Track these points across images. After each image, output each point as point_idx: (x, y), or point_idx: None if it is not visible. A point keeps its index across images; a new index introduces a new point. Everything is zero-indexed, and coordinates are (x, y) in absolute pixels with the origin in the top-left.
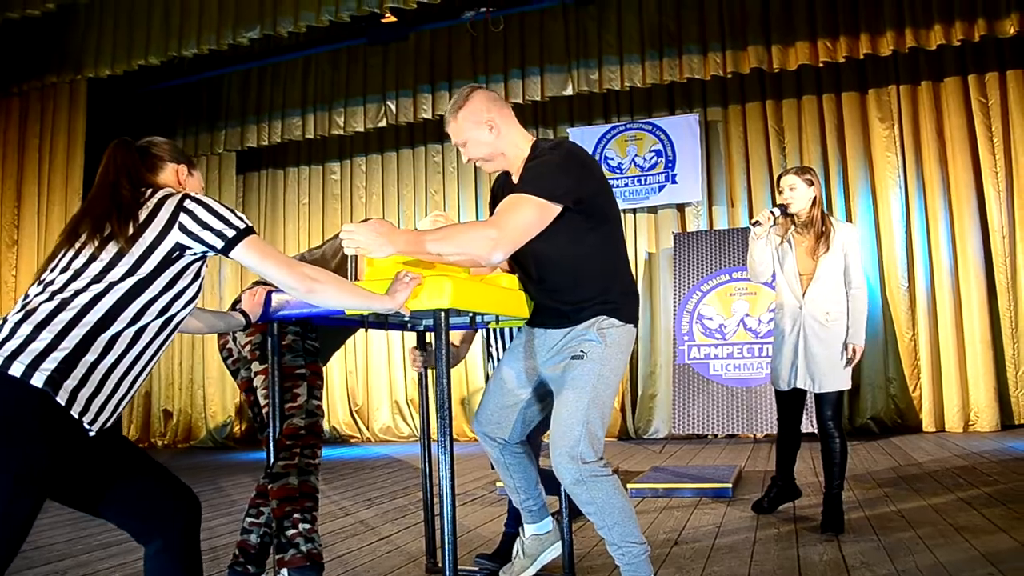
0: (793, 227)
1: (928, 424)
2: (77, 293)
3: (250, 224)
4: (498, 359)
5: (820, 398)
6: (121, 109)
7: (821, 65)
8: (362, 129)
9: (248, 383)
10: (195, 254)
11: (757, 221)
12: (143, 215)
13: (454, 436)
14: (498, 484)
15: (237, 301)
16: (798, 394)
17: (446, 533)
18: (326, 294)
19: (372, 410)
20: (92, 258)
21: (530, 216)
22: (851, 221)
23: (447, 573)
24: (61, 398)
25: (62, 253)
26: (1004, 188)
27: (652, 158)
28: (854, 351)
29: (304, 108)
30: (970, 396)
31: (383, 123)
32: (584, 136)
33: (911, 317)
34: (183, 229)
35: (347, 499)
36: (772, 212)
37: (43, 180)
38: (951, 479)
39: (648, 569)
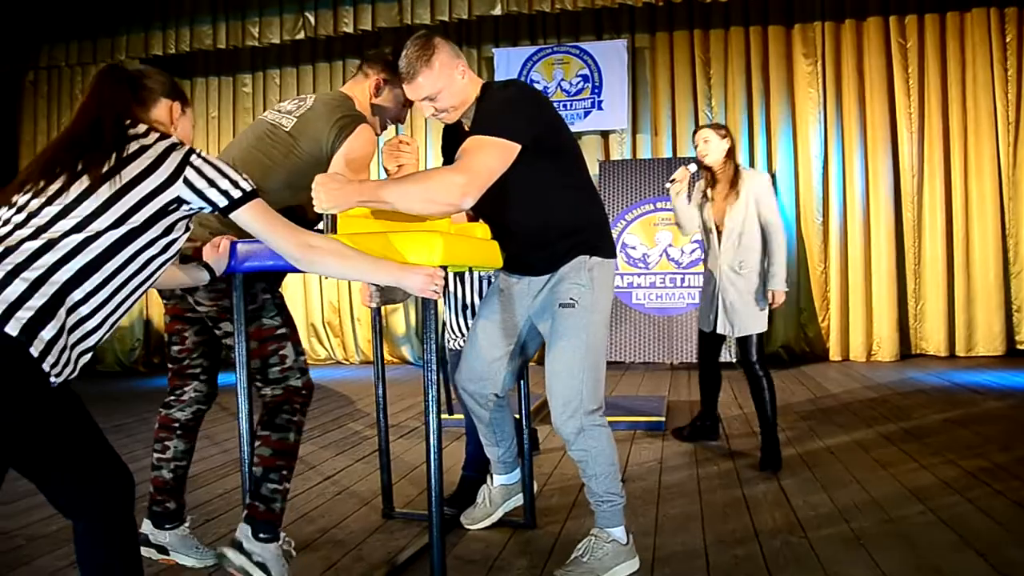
0: (712, 180)
1: (834, 353)
2: (66, 233)
3: (255, 187)
4: (462, 302)
5: (741, 342)
6: (9, 7)
7: None
8: (278, 41)
9: (179, 312)
10: (191, 209)
11: (673, 179)
12: (132, 149)
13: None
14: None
15: (189, 256)
16: (717, 337)
17: (433, 498)
18: (329, 265)
19: None
20: (83, 197)
21: (493, 157)
22: (772, 155)
23: (434, 550)
24: (35, 348)
25: (40, 183)
26: (916, 129)
27: (578, 83)
28: (774, 296)
29: (215, 16)
30: (874, 327)
31: (300, 35)
32: (510, 58)
33: (824, 250)
34: (188, 183)
35: None
36: (687, 168)
37: None
38: (867, 412)
39: (621, 519)
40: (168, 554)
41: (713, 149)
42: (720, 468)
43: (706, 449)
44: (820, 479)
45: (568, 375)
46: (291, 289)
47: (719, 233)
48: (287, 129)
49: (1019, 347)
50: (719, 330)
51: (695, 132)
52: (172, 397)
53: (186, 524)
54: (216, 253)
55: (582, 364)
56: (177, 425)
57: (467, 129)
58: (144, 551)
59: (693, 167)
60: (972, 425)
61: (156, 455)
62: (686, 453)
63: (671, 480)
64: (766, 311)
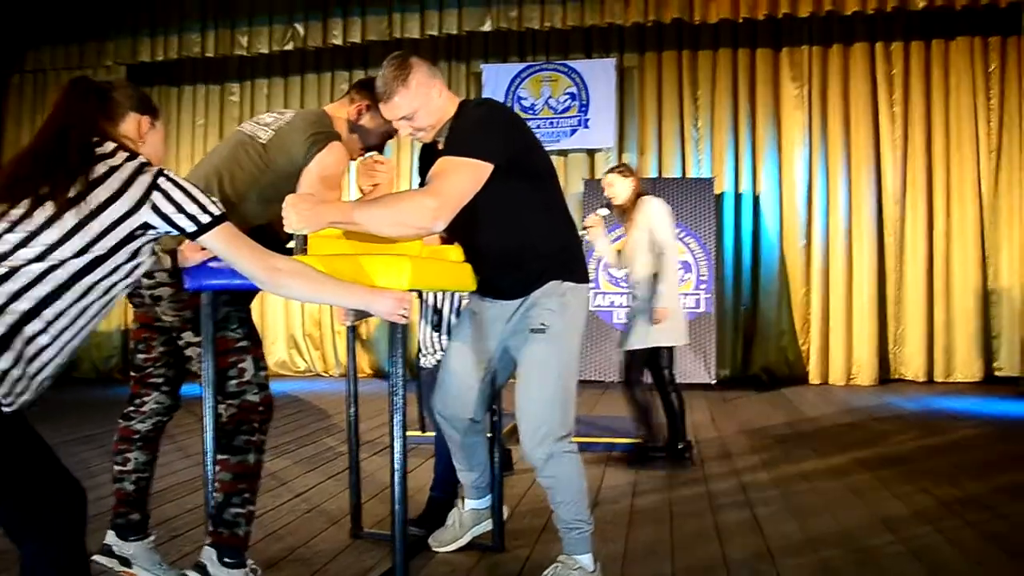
0: (623, 217)
1: (814, 376)
2: (29, 262)
3: (224, 211)
4: (436, 320)
5: (648, 356)
6: None
7: (741, 21)
8: (267, 51)
9: (149, 320)
10: (158, 233)
11: (585, 227)
12: (100, 172)
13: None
14: (410, 433)
15: (172, 254)
16: (636, 354)
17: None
18: (294, 288)
19: (267, 344)
20: (47, 224)
21: (465, 179)
22: (756, 177)
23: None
24: None
25: (1, 205)
26: (900, 156)
27: (566, 101)
28: (659, 313)
29: (204, 23)
30: (854, 351)
31: (290, 46)
32: (499, 74)
33: (806, 273)
34: (155, 208)
35: None
36: (598, 213)
37: None
38: (843, 437)
39: (588, 546)
40: (131, 566)
41: (619, 191)
42: (693, 492)
43: (680, 473)
44: (792, 507)
45: (539, 402)
46: (272, 301)
47: (627, 259)
48: (262, 141)
49: (996, 373)
50: (627, 346)
51: (602, 178)
52: (132, 407)
53: (151, 537)
54: (196, 253)
55: (553, 390)
56: (137, 436)
57: (441, 148)
58: (106, 561)
59: (604, 211)
60: (947, 453)
61: (117, 467)
62: (660, 477)
63: (643, 504)
64: (666, 328)
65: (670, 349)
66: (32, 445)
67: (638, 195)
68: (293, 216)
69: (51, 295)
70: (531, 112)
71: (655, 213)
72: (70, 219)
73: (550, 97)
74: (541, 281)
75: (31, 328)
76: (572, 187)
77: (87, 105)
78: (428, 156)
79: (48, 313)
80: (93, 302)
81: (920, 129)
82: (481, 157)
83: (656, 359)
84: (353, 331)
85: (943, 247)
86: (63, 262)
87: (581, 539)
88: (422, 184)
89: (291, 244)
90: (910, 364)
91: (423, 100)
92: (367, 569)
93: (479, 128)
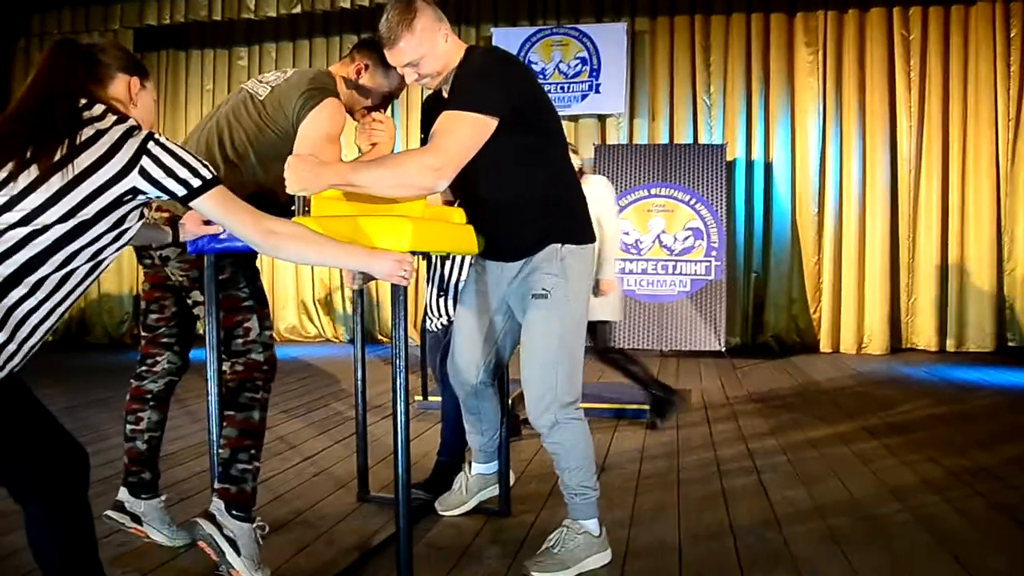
0: None
1: (825, 344)
2: (11, 227)
3: (216, 174)
4: (443, 280)
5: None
6: None
7: None
8: (274, 14)
9: (161, 280)
10: (147, 198)
11: None
12: (87, 135)
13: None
14: (416, 398)
15: (174, 219)
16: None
17: (400, 487)
18: (292, 251)
19: (277, 309)
20: (31, 188)
21: (467, 136)
22: (769, 144)
23: (401, 538)
24: None
25: None
26: (915, 122)
27: (577, 65)
28: (602, 284)
29: None
30: (865, 320)
31: (297, 9)
32: (509, 38)
33: (818, 241)
34: (144, 173)
35: None
36: None
37: None
38: (852, 405)
39: (595, 512)
40: (142, 524)
41: None
42: (701, 458)
43: (689, 439)
44: (800, 473)
45: (542, 368)
46: (281, 267)
47: None
48: (261, 98)
49: (1009, 344)
50: None
51: None
52: (144, 367)
53: (162, 497)
54: (197, 226)
55: (556, 356)
56: (150, 396)
57: (445, 97)
58: (118, 517)
59: None
60: (957, 423)
61: (129, 427)
62: (668, 443)
63: (650, 470)
64: (604, 301)
65: (609, 323)
66: (29, 408)
67: (580, 173)
68: (294, 177)
69: (34, 260)
70: (542, 77)
71: (598, 191)
72: (55, 183)
73: (561, 62)
74: (541, 244)
75: (15, 293)
76: (583, 152)
77: (73, 67)
78: (431, 111)
79: (32, 279)
80: (78, 267)
81: (937, 96)
82: (484, 111)
83: (596, 332)
84: (361, 295)
85: (958, 216)
86: (47, 227)
87: (587, 504)
88: (425, 140)
89: (293, 207)
90: (922, 333)
91: (429, 45)
92: (373, 532)
93: (484, 78)
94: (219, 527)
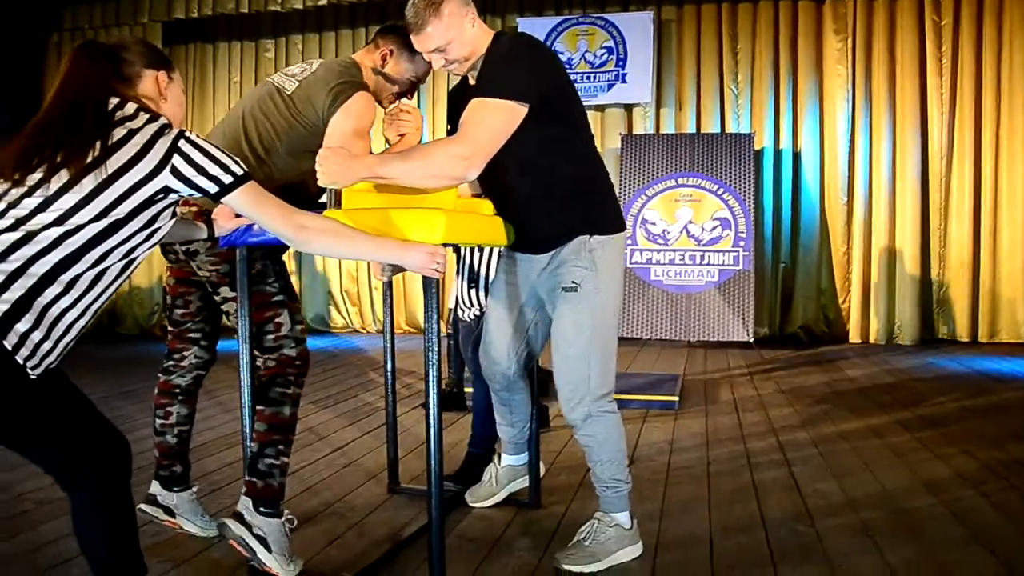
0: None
1: (854, 335)
2: (46, 227)
3: (247, 170)
4: (473, 271)
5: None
6: None
7: None
8: (300, 6)
9: (186, 275)
10: (179, 196)
11: None
12: (120, 135)
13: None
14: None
15: (205, 213)
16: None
17: (433, 479)
18: (324, 245)
19: (304, 300)
20: (64, 189)
21: (497, 124)
22: (797, 134)
23: (433, 529)
24: (9, 341)
25: (15, 175)
26: (947, 110)
27: (603, 55)
28: None
29: None
30: (895, 310)
31: (323, 1)
32: (534, 28)
33: (847, 231)
34: (175, 172)
35: None
36: None
37: None
38: (883, 397)
39: (626, 504)
40: (175, 516)
41: None
42: (731, 451)
43: (719, 430)
44: (831, 466)
45: (575, 361)
46: (309, 258)
47: None
48: (289, 93)
49: None
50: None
51: None
52: (171, 362)
53: (194, 489)
54: (229, 220)
55: (588, 348)
56: (178, 391)
57: (472, 84)
58: (151, 510)
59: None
60: (991, 415)
61: (159, 421)
62: (698, 434)
63: (680, 462)
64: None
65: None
66: (72, 399)
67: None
68: (325, 170)
69: (68, 259)
70: (568, 67)
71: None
72: (88, 183)
73: (587, 51)
74: (569, 236)
75: (51, 291)
76: (609, 142)
77: (98, 69)
78: (458, 99)
79: (65, 277)
80: (112, 265)
81: (970, 83)
82: (514, 98)
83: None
84: (390, 286)
85: (990, 206)
86: (80, 227)
87: (618, 497)
88: (453, 130)
89: (324, 199)
90: (954, 324)
91: (457, 30)
92: (404, 524)
93: (512, 64)
94: (248, 526)
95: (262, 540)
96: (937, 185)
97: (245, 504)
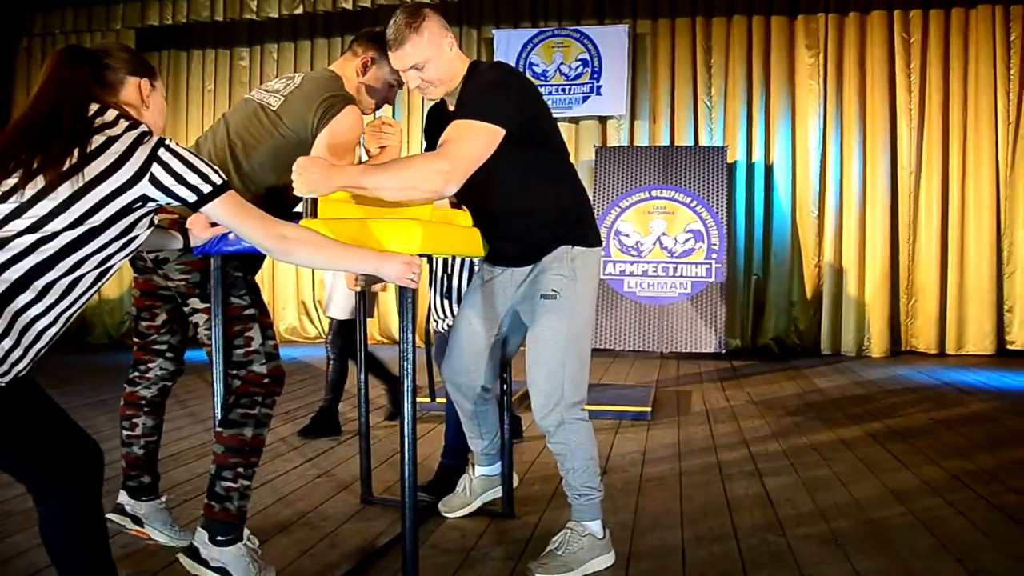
0: None
1: (825, 347)
2: (20, 233)
3: (226, 180)
4: (447, 285)
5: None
6: None
7: None
8: (276, 15)
9: (152, 288)
10: (157, 204)
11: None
12: (98, 143)
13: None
14: (421, 399)
15: (181, 222)
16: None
17: (407, 489)
18: (303, 255)
19: (278, 310)
20: (39, 196)
21: (478, 143)
22: (769, 147)
23: (407, 540)
24: None
25: None
26: (916, 126)
27: (578, 67)
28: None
29: None
30: (866, 323)
31: (299, 10)
32: (510, 40)
33: (818, 244)
34: (154, 181)
35: None
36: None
37: None
38: (853, 408)
39: (598, 513)
40: (143, 526)
41: None
42: (703, 461)
43: (691, 441)
44: (802, 477)
45: (550, 368)
46: (281, 268)
47: None
48: (274, 109)
49: (1009, 347)
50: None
51: None
52: (137, 373)
53: (162, 499)
54: (204, 230)
55: (564, 357)
56: (144, 402)
57: (451, 110)
58: (119, 519)
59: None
60: (958, 426)
61: (125, 432)
62: (670, 445)
63: (653, 472)
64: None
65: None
66: (43, 407)
67: None
68: (302, 180)
69: (42, 266)
70: (543, 79)
71: None
72: (64, 191)
73: (562, 63)
74: (550, 247)
75: (23, 298)
76: (584, 154)
77: (79, 74)
78: (436, 120)
79: (39, 284)
80: (86, 273)
81: (937, 99)
82: (494, 121)
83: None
84: (363, 296)
85: (958, 219)
86: (55, 234)
87: (591, 506)
88: (430, 148)
89: (299, 208)
90: (922, 336)
91: (435, 50)
92: (377, 534)
93: (492, 91)
94: (204, 561)
95: (222, 571)
96: (906, 199)
97: (201, 537)
